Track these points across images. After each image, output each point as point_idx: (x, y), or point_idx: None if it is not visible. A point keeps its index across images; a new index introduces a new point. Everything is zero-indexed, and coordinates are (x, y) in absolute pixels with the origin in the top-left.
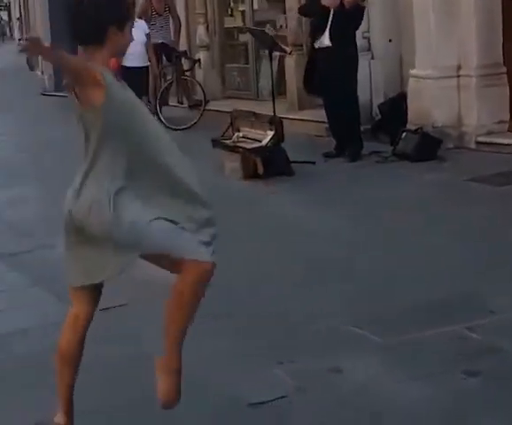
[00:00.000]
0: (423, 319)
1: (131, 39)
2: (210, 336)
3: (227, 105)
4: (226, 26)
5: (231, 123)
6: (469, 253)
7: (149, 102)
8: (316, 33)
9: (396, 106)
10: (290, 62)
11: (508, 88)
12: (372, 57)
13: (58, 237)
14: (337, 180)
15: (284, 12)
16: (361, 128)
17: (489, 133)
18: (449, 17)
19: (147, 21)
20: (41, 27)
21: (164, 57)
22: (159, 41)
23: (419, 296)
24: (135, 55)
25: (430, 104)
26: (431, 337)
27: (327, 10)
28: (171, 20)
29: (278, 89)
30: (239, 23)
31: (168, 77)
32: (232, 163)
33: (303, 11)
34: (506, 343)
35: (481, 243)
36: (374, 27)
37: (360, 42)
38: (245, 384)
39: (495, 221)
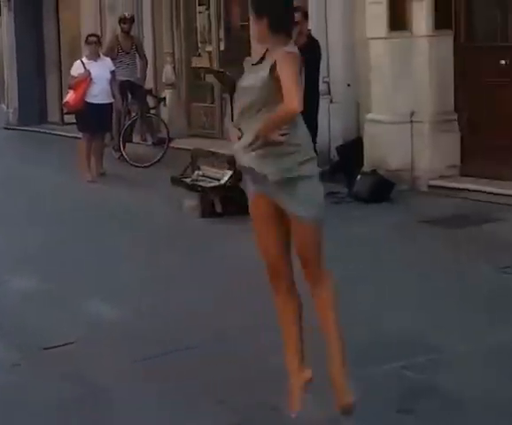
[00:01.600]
0: (363, 356)
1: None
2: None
3: (191, 144)
4: (193, 65)
5: (191, 162)
6: (414, 292)
7: (112, 138)
8: None
9: (353, 149)
10: None
11: (459, 134)
12: (331, 101)
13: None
14: None
15: (250, 54)
16: (320, 170)
17: (441, 177)
18: (404, 66)
19: (114, 59)
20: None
21: (129, 95)
22: (125, 78)
23: (360, 333)
24: (100, 91)
25: (385, 147)
26: (369, 375)
27: None
28: (138, 58)
29: None
30: (206, 63)
31: (133, 114)
32: (191, 201)
33: None
34: (441, 382)
35: (425, 284)
36: (333, 73)
37: (320, 86)
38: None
39: (442, 263)
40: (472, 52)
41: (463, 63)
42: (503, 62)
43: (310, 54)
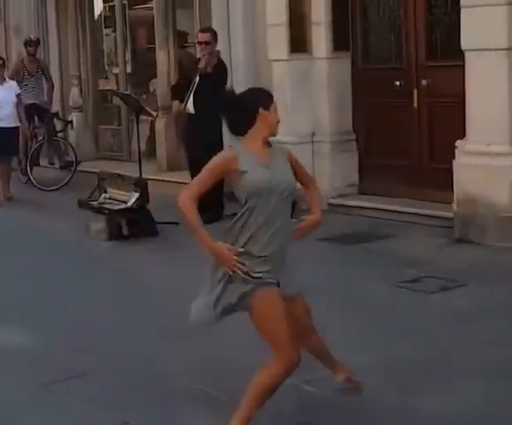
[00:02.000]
0: None
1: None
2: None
3: (99, 166)
4: (100, 88)
5: (98, 184)
6: (314, 308)
7: (20, 162)
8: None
9: None
10: (159, 125)
11: (357, 153)
12: None
13: None
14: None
15: (156, 76)
16: (224, 190)
17: (340, 195)
18: (304, 87)
19: (19, 82)
20: None
21: (36, 118)
22: (31, 101)
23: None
24: (6, 115)
25: None
26: None
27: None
28: (44, 81)
29: (150, 151)
30: (113, 86)
31: (40, 138)
32: (98, 224)
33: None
34: (338, 395)
35: (323, 299)
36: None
37: None
38: None
39: (338, 279)
40: (369, 74)
41: (361, 84)
42: (398, 83)
43: (221, 74)
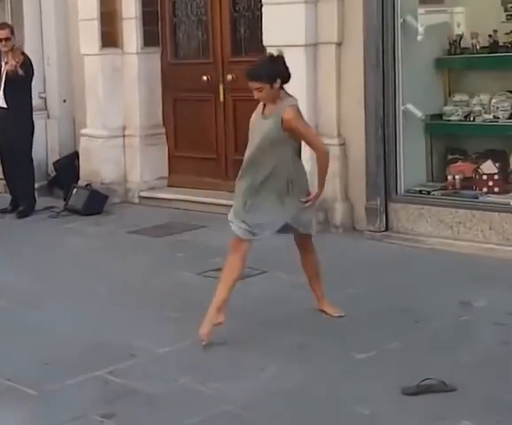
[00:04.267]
0: (73, 366)
1: None
2: None
3: None
4: None
5: None
6: (121, 301)
7: None
8: None
9: (70, 164)
10: None
11: (166, 147)
12: (48, 117)
13: None
14: (12, 235)
15: None
16: (37, 185)
17: (150, 188)
18: (116, 81)
19: None
20: None
21: None
22: None
23: (71, 343)
24: None
25: (99, 161)
26: (79, 382)
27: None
28: None
29: None
30: None
31: None
32: None
33: None
34: (141, 384)
35: (131, 291)
36: (50, 88)
37: (36, 101)
38: None
39: (146, 271)
40: (178, 69)
41: (170, 79)
42: (205, 78)
43: (27, 70)
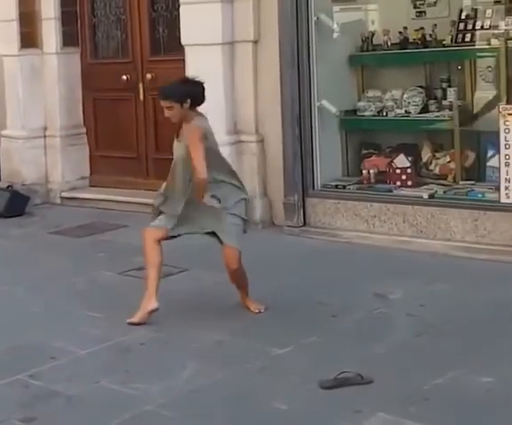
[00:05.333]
0: None
1: None
2: None
3: None
4: None
5: None
6: (41, 302)
7: None
8: None
9: None
10: None
11: (87, 146)
12: None
13: None
14: None
15: None
16: None
17: (72, 189)
18: (36, 82)
19: None
20: None
21: None
22: None
23: None
24: None
25: (20, 163)
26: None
27: None
28: None
29: None
30: None
31: None
32: None
33: None
34: (62, 386)
35: (52, 292)
36: None
37: None
38: None
39: (68, 271)
40: (98, 68)
41: (90, 79)
42: (125, 77)
43: None
